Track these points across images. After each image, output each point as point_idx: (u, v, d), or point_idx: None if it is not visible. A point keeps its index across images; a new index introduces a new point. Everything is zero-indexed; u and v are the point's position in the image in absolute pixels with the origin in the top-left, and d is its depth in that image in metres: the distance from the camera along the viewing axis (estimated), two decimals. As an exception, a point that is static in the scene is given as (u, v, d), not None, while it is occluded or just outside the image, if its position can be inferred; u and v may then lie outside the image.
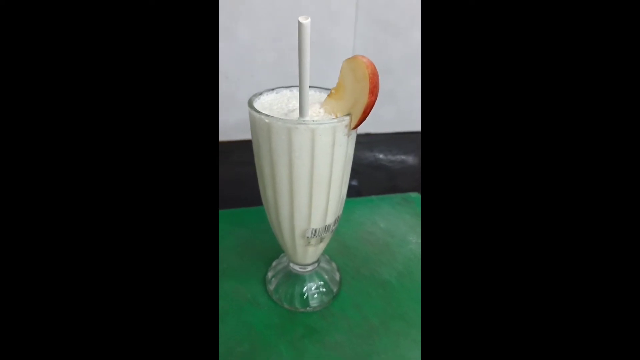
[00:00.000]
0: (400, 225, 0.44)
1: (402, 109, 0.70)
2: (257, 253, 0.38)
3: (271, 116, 0.23)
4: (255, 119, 0.24)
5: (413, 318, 0.32)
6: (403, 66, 0.56)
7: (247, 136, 0.67)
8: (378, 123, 0.69)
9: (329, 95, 0.24)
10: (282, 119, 0.22)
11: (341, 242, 0.40)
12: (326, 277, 0.34)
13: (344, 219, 0.44)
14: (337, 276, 0.35)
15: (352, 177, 0.30)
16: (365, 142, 0.66)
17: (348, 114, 0.23)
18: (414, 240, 0.41)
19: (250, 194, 0.48)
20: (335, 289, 0.34)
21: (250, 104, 0.25)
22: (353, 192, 0.50)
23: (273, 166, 0.24)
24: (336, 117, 0.24)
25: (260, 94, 0.27)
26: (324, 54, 0.49)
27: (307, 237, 0.28)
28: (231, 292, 0.34)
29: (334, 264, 0.36)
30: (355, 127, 0.24)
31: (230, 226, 0.42)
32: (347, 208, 0.45)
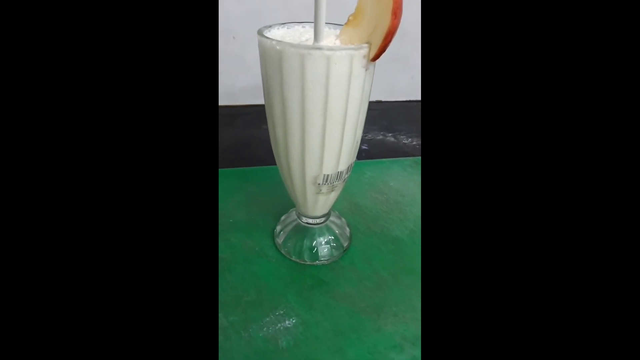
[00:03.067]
0: (411, 185, 0.42)
1: (417, 77, 0.67)
2: (265, 208, 0.37)
3: (283, 41, 0.21)
4: (266, 48, 0.22)
5: (425, 273, 0.31)
6: (419, 30, 0.53)
7: (254, 101, 0.65)
8: (391, 91, 0.67)
9: (346, 23, 0.22)
10: (295, 45, 0.21)
11: (351, 201, 0.39)
12: (337, 231, 0.33)
13: (354, 179, 0.42)
14: (348, 231, 0.34)
15: (362, 141, 0.28)
16: (377, 109, 0.64)
17: (367, 42, 0.21)
18: (426, 200, 0.40)
19: (256, 156, 0.47)
20: (345, 244, 0.33)
21: (260, 32, 0.23)
22: (363, 156, 0.49)
23: (284, 101, 0.23)
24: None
25: (270, 27, 0.25)
26: None
27: (319, 184, 0.27)
28: (238, 244, 0.33)
29: (344, 220, 0.35)
30: (375, 58, 0.22)
31: (239, 183, 0.41)
32: (358, 169, 0.43)
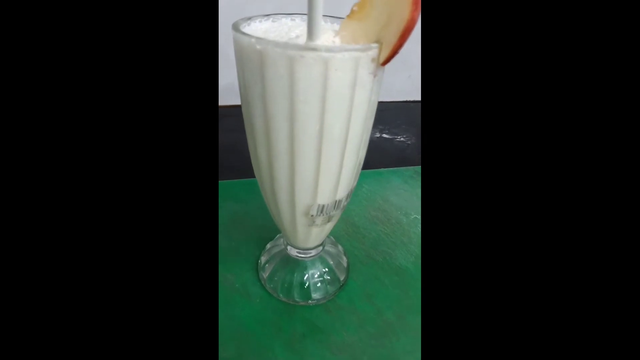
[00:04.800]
0: (413, 200, 0.38)
1: (415, 76, 0.62)
2: (248, 232, 0.32)
3: (265, 39, 0.16)
4: (243, 47, 0.17)
5: (436, 312, 0.26)
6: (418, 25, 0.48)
7: (238, 101, 0.59)
8: (387, 91, 0.62)
9: (349, 15, 0.17)
10: (281, 44, 0.15)
11: (348, 221, 0.34)
12: (331, 262, 0.28)
13: (349, 194, 0.37)
14: (345, 261, 0.29)
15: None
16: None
17: (376, 41, 0.16)
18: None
19: (242, 164, 0.42)
20: (342, 277, 0.28)
21: (235, 27, 0.17)
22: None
23: (267, 117, 0.18)
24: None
25: (250, 19, 0.20)
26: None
27: (312, 216, 0.22)
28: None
29: (340, 247, 0.30)
30: (386, 61, 0.17)
31: (219, 200, 0.36)
32: (353, 181, 0.38)
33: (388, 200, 0.38)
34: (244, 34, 0.16)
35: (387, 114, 0.57)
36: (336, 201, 0.22)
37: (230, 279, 0.28)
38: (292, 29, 0.19)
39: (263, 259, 0.29)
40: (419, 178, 0.42)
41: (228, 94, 0.56)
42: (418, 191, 0.39)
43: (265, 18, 0.20)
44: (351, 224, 0.34)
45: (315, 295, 0.27)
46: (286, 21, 0.21)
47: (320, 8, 0.15)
